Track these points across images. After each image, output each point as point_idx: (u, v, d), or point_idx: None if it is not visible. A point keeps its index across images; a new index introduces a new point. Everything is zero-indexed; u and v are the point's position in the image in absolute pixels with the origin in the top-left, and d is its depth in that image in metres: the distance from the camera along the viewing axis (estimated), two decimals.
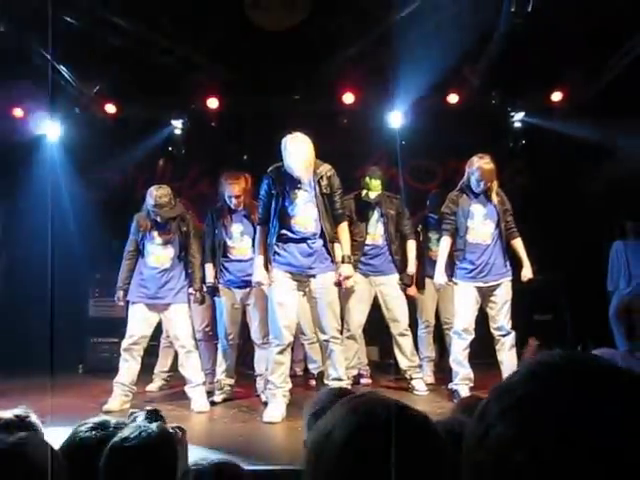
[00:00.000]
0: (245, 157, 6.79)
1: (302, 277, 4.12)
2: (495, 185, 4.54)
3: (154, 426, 1.53)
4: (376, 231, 5.01)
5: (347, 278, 4.19)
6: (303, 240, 4.08)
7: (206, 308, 5.06)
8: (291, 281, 4.09)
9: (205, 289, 4.82)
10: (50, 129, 6.78)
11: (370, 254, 4.98)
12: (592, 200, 6.08)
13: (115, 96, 6.47)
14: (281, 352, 4.06)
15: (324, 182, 4.07)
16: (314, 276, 4.11)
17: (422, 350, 5.28)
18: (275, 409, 4.01)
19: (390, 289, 4.95)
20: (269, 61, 5.86)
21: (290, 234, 4.08)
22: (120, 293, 4.58)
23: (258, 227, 4.27)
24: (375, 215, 5.02)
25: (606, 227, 6.03)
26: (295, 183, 4.06)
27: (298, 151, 3.95)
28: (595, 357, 0.54)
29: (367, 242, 4.98)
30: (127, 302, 4.67)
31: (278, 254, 4.10)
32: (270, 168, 4.17)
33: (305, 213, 4.08)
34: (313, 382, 5.26)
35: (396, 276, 4.98)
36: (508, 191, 4.73)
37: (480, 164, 4.44)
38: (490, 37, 5.40)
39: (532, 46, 5.40)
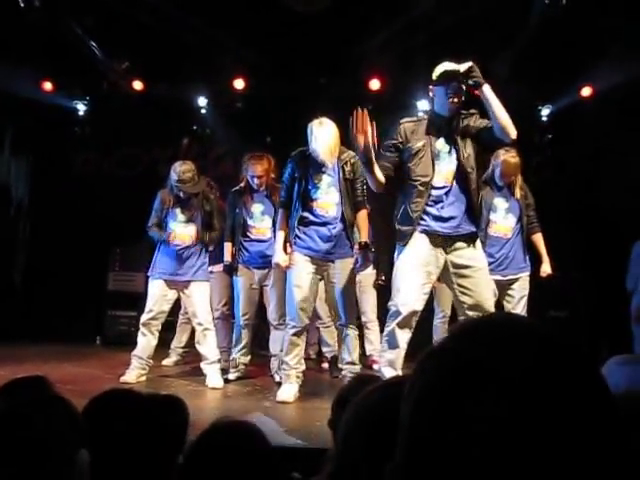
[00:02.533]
0: (269, 139, 6.82)
1: (321, 261, 4.15)
2: (519, 179, 4.53)
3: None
4: None
5: (363, 264, 4.21)
6: (324, 224, 4.11)
7: (225, 287, 5.13)
8: (310, 265, 4.12)
9: (223, 268, 4.90)
10: (79, 104, 6.87)
11: None
12: (616, 197, 6.02)
13: (143, 73, 6.51)
14: (297, 334, 4.11)
15: (348, 168, 4.09)
16: (333, 261, 4.15)
17: (436, 339, 5.30)
18: (288, 389, 4.07)
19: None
20: (297, 44, 5.86)
21: (312, 217, 4.11)
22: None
23: (280, 210, 4.30)
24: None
25: (629, 225, 5.97)
26: (319, 167, 4.09)
27: (324, 135, 3.98)
28: (506, 319, 0.60)
29: None
30: (147, 277, 4.75)
31: (299, 237, 4.13)
32: (294, 152, 4.20)
33: (327, 197, 4.11)
34: (326, 365, 5.33)
35: None
36: (532, 185, 4.70)
37: (505, 157, 4.43)
38: (521, 28, 5.34)
39: (564, 39, 5.33)
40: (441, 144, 3.53)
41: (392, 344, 3.52)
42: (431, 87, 3.52)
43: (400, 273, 3.51)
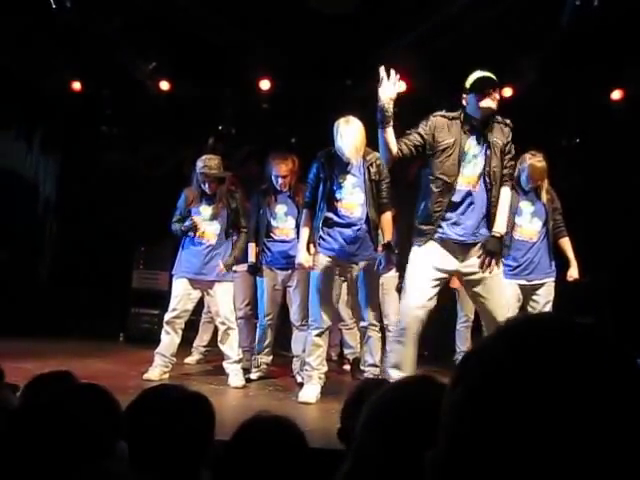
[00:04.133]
0: (294, 140, 6.82)
1: (345, 263, 4.15)
2: (546, 183, 4.48)
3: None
4: None
5: (387, 266, 4.19)
6: (348, 225, 4.10)
7: (248, 287, 5.15)
8: (333, 266, 4.12)
9: (247, 268, 4.91)
10: (107, 103, 6.96)
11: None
12: None
13: (170, 73, 6.56)
14: (319, 335, 4.11)
15: (373, 169, 4.08)
16: (357, 263, 4.14)
17: (459, 344, 5.25)
18: (310, 390, 4.06)
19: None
20: (323, 45, 5.86)
21: (336, 218, 4.10)
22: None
23: (304, 210, 4.30)
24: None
25: None
26: (344, 167, 4.08)
27: (350, 133, 3.96)
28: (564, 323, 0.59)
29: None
30: (171, 276, 4.77)
31: (323, 239, 4.13)
32: (320, 152, 4.20)
33: (352, 197, 4.10)
34: (347, 367, 5.32)
35: None
36: (559, 189, 4.64)
37: (532, 162, 4.38)
38: (551, 29, 5.27)
39: (594, 40, 5.26)
40: (469, 145, 3.50)
41: (398, 345, 3.53)
42: (464, 96, 3.48)
43: (409, 274, 3.53)
